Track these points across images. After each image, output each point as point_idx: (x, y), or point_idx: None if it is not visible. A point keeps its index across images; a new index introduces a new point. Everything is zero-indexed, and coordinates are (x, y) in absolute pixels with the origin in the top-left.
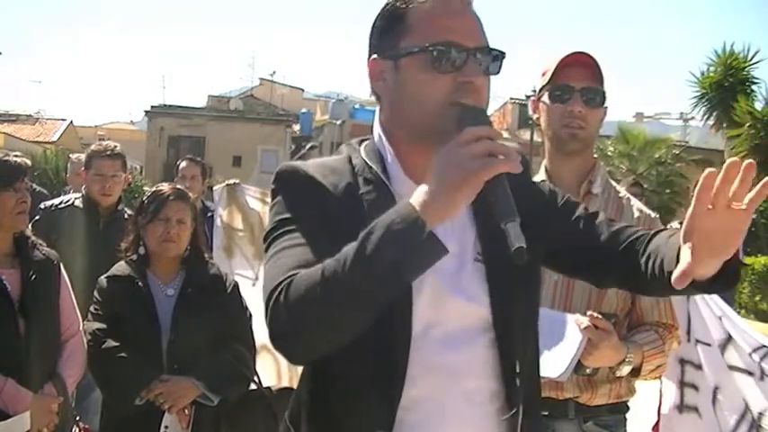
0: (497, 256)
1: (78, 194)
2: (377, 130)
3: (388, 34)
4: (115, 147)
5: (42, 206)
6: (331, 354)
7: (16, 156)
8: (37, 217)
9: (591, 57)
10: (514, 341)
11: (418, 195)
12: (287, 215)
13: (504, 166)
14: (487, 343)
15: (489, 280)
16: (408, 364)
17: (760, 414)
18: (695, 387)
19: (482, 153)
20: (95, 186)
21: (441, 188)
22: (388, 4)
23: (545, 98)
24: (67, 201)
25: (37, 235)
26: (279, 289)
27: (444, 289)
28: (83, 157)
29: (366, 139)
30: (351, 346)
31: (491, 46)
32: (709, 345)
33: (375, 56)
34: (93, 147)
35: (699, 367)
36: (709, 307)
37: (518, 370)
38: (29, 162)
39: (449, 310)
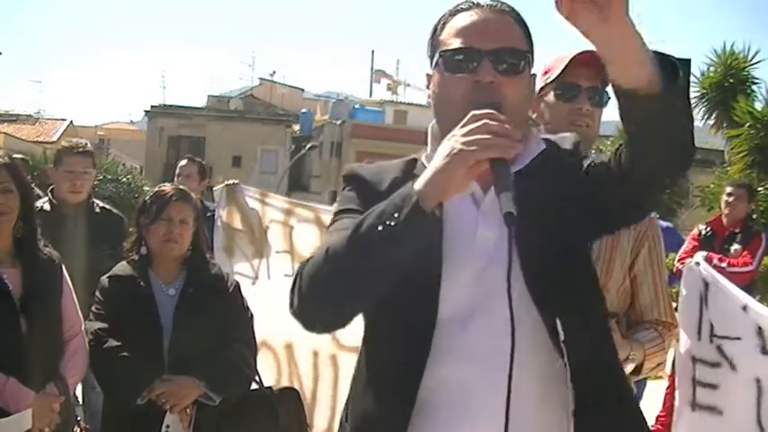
0: (535, 244)
1: (45, 198)
2: (431, 132)
3: (430, 48)
4: (86, 144)
5: None
6: (371, 334)
7: None
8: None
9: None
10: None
11: (421, 177)
12: (339, 208)
13: (493, 151)
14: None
15: (524, 266)
16: (431, 346)
17: None
18: (712, 386)
19: (478, 134)
20: (65, 184)
21: (435, 168)
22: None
23: (549, 97)
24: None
25: None
26: (302, 265)
27: (478, 273)
28: None
29: None
30: (382, 327)
31: (517, 47)
32: (738, 339)
33: (429, 69)
34: (63, 143)
35: (715, 365)
36: (730, 299)
37: (564, 347)
38: (6, 159)
39: (481, 293)
